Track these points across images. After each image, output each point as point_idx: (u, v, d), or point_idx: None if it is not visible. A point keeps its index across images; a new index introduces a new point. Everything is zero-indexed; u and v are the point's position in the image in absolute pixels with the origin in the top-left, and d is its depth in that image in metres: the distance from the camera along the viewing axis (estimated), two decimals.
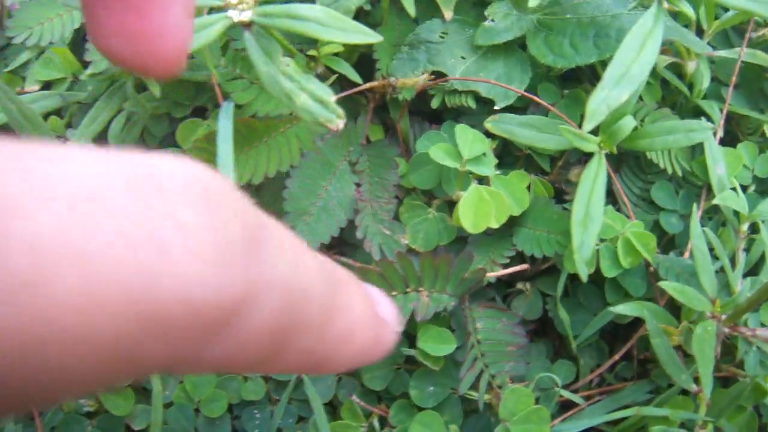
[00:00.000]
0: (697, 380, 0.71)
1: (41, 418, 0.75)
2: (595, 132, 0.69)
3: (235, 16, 0.62)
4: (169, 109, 0.79)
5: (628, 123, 0.69)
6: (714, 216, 0.80)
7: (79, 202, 0.16)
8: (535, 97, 0.74)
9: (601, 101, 0.64)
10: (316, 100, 0.63)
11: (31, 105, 0.76)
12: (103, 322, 0.16)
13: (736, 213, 0.76)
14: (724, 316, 0.68)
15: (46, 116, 0.85)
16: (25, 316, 0.15)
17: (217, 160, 0.64)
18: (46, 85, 0.85)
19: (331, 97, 0.63)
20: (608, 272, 0.70)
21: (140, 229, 0.17)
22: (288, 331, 0.23)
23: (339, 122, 0.62)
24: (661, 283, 0.65)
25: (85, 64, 0.81)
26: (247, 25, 0.63)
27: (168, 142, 0.81)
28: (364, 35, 0.63)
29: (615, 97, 0.64)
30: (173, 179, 0.19)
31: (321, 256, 0.31)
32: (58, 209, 0.16)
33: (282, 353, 0.24)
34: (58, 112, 0.86)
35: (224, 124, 0.65)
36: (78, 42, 0.84)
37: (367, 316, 0.31)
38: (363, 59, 0.81)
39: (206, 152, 0.69)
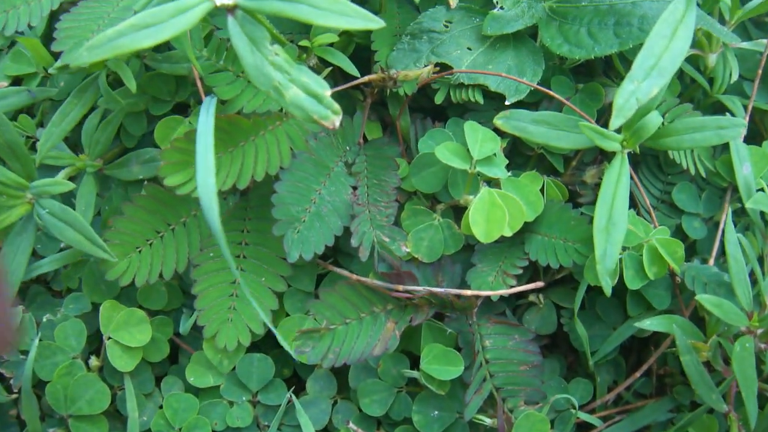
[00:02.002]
0: (725, 398, 0.61)
1: None
2: (617, 129, 0.59)
3: None
4: (147, 106, 0.67)
5: (655, 120, 0.58)
6: (739, 219, 0.70)
7: None
8: (550, 91, 0.63)
9: (629, 95, 0.54)
10: (309, 94, 0.52)
11: None
12: None
13: (764, 216, 0.67)
14: (760, 331, 0.58)
15: (15, 115, 0.74)
16: None
17: (196, 161, 0.53)
18: (17, 82, 0.74)
19: (326, 91, 0.52)
20: (632, 284, 0.60)
21: None
22: None
23: (335, 119, 0.52)
24: (699, 297, 0.55)
25: (59, 55, 0.70)
26: (231, 9, 0.52)
27: (147, 142, 0.70)
28: (364, 20, 0.52)
29: (645, 90, 0.54)
30: None
31: None
32: None
33: None
34: (29, 111, 0.75)
35: (205, 121, 0.54)
36: (51, 33, 0.73)
37: None
38: (359, 51, 0.70)
39: (185, 153, 0.58)
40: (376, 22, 0.52)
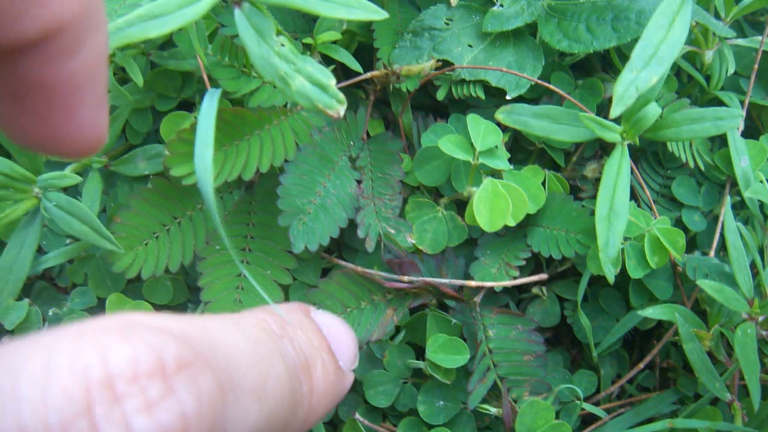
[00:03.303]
0: (728, 389, 0.62)
1: None
2: (616, 121, 0.60)
3: None
4: (153, 102, 0.68)
5: (653, 111, 0.59)
6: (738, 213, 0.70)
7: None
8: (551, 86, 0.65)
9: (629, 83, 0.55)
10: (314, 84, 0.53)
11: None
12: None
13: (763, 208, 0.67)
14: (761, 318, 0.58)
15: None
16: None
17: (195, 149, 0.53)
18: None
19: (331, 81, 0.53)
20: (634, 273, 0.61)
21: None
22: None
23: (339, 108, 0.53)
24: (700, 282, 0.56)
25: None
26: (238, 1, 0.53)
27: (152, 140, 0.71)
28: (368, 12, 0.54)
29: (644, 79, 0.55)
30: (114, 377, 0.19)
31: (287, 347, 0.28)
32: None
33: None
34: None
35: (207, 109, 0.54)
36: None
37: (329, 384, 0.29)
38: (361, 50, 0.71)
39: (191, 144, 0.58)
40: (380, 14, 0.54)
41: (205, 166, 0.51)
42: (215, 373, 0.21)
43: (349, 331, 0.33)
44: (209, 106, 0.54)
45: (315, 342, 0.29)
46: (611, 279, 0.58)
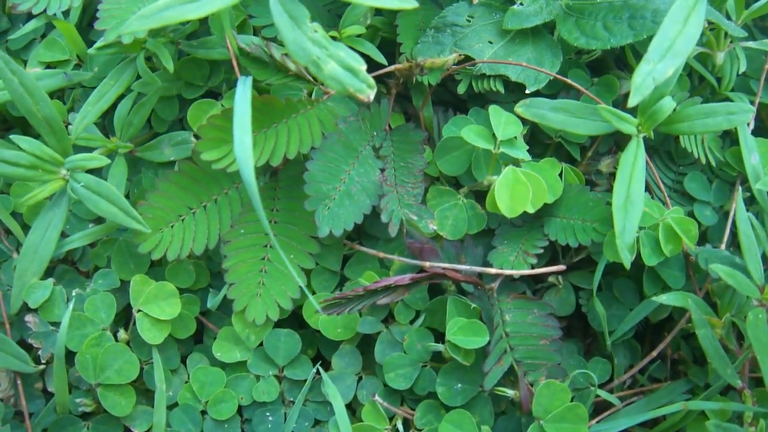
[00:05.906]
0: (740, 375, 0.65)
1: (32, 419, 0.66)
2: (632, 114, 0.65)
3: None
4: (180, 90, 0.72)
5: (668, 104, 0.64)
6: (748, 208, 0.74)
7: None
8: (568, 80, 0.69)
9: (646, 75, 0.59)
10: (346, 69, 0.57)
11: None
12: None
13: None
14: None
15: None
16: None
17: (234, 134, 0.57)
18: (50, 69, 0.78)
19: (362, 66, 0.57)
20: (649, 260, 0.64)
21: None
22: None
23: (370, 93, 0.56)
24: (713, 266, 0.60)
25: (91, 44, 0.75)
26: None
27: (176, 128, 0.74)
28: (399, 0, 0.58)
29: (661, 70, 0.60)
30: None
31: None
32: None
33: None
34: (60, 97, 0.80)
35: (242, 94, 0.58)
36: (83, 23, 0.78)
37: None
38: (384, 46, 0.76)
39: (221, 130, 0.62)
40: (410, 3, 0.58)
41: (244, 149, 0.54)
42: None
43: None
44: (243, 91, 0.58)
45: None
46: (627, 264, 0.61)
